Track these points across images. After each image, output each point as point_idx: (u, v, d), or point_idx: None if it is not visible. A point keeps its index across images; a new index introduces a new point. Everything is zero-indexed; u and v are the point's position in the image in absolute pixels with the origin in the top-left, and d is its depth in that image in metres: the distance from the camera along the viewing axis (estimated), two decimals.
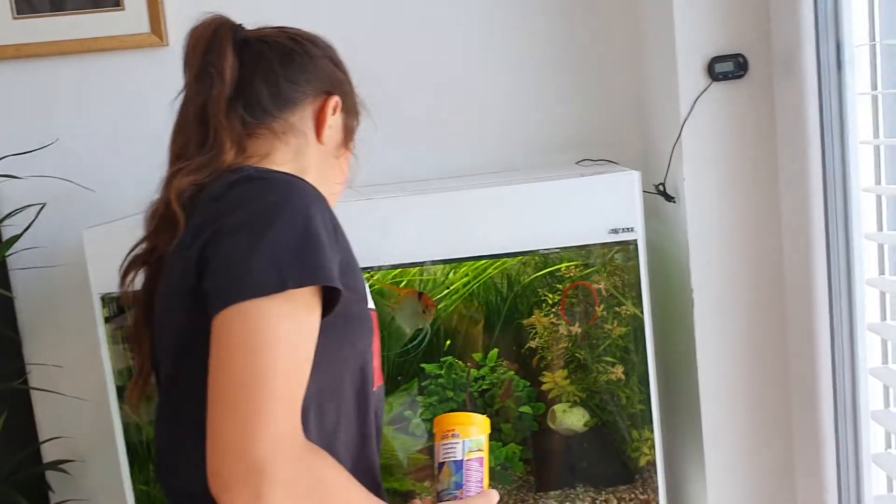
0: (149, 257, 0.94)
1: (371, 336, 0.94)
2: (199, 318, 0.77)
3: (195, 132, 0.92)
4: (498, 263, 1.56)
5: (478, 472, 0.91)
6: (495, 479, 1.53)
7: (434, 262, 1.49)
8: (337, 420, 0.87)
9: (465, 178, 1.72)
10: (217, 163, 0.89)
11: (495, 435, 1.53)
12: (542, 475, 1.53)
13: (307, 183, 0.88)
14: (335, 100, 0.99)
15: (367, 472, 0.91)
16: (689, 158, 1.47)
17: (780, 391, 1.50)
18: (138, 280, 0.96)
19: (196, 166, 0.89)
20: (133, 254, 0.95)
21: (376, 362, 0.96)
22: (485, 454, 0.94)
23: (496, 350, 1.56)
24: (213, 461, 0.71)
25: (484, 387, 1.54)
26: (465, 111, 1.82)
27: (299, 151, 0.97)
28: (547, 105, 1.81)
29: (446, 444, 0.92)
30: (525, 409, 1.52)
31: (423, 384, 1.54)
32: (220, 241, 0.79)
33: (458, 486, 0.90)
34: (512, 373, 1.54)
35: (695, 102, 1.46)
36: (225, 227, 0.80)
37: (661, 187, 1.56)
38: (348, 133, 1.04)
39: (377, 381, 0.96)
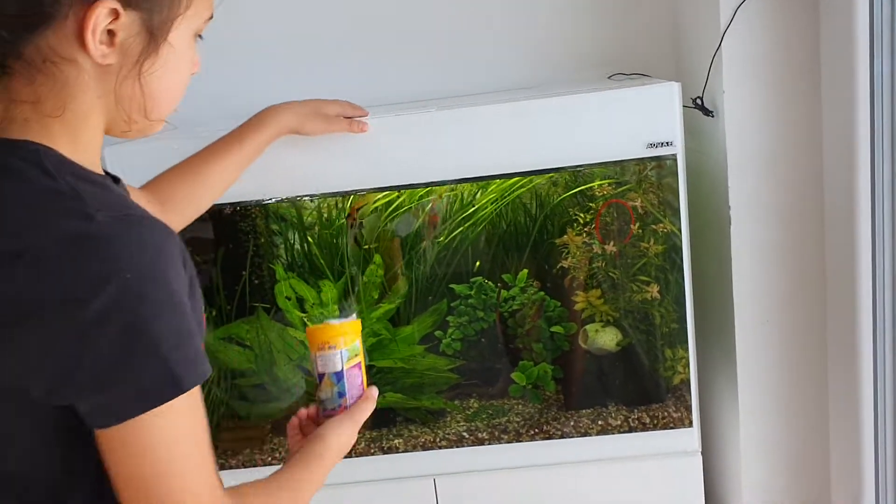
0: None
1: None
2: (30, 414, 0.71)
3: None
4: (526, 182, 1.53)
5: (357, 377, 0.94)
6: (526, 397, 1.53)
7: (462, 181, 1.45)
8: None
9: (493, 94, 1.67)
10: None
11: (527, 355, 1.52)
12: (573, 394, 1.53)
13: (143, 215, 0.71)
14: (103, 7, 0.71)
15: None
16: (728, 70, 1.41)
17: (817, 310, 1.48)
18: None
19: None
20: None
21: None
22: (361, 357, 0.96)
23: (526, 270, 1.54)
24: None
25: (514, 307, 1.52)
26: (492, 26, 1.76)
27: (73, 85, 0.73)
28: (576, 17, 1.74)
29: (324, 355, 0.93)
30: (556, 328, 1.51)
31: (452, 304, 1.52)
32: (72, 332, 0.65)
33: (342, 395, 0.93)
34: (542, 293, 1.52)
35: (736, 11, 1.39)
36: (72, 313, 0.65)
37: (698, 101, 1.51)
38: (156, 32, 0.75)
39: None
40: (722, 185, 1.47)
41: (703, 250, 1.61)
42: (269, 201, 1.47)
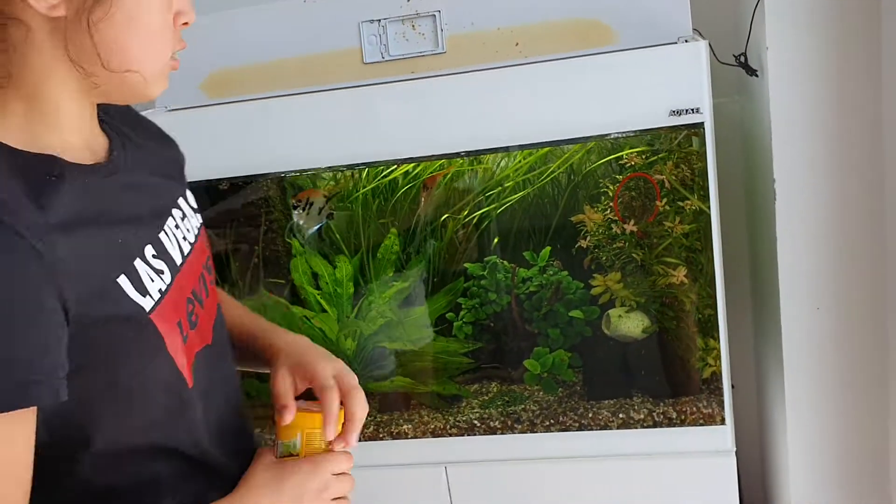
0: None
1: (158, 349, 0.71)
2: None
3: None
4: (557, 151, 1.40)
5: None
6: (540, 384, 1.42)
7: (467, 154, 1.34)
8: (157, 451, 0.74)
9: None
10: None
11: (542, 340, 1.41)
12: (594, 383, 1.41)
13: None
14: None
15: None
16: (773, 23, 1.23)
17: (875, 294, 1.29)
18: None
19: None
20: None
21: (183, 360, 0.73)
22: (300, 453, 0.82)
23: (548, 248, 1.42)
24: None
25: (531, 289, 1.41)
26: None
27: (22, 47, 0.65)
28: None
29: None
30: (576, 313, 1.39)
31: (465, 285, 1.43)
32: None
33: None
34: (565, 273, 1.40)
35: None
36: None
37: (742, 59, 1.33)
38: None
39: (189, 381, 0.74)
40: (766, 154, 1.29)
41: (746, 228, 1.44)
42: (274, 174, 1.41)
